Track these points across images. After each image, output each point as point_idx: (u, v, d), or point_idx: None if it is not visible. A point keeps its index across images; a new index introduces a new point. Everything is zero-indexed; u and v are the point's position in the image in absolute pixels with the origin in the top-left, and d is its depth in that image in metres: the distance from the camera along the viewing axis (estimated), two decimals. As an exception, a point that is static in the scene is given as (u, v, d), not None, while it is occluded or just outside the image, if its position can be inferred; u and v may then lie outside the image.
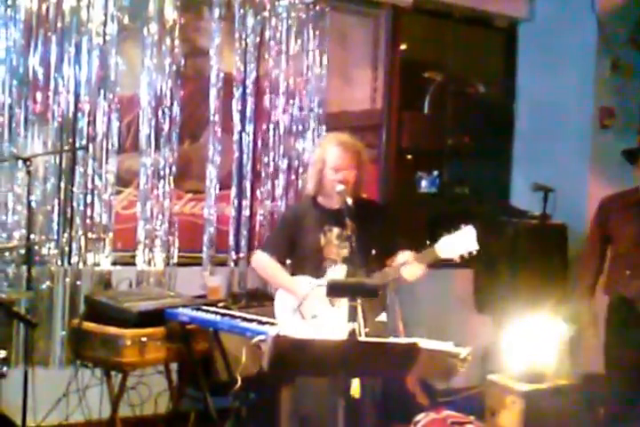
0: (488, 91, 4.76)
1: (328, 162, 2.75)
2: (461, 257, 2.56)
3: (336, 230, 2.74)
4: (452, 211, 4.63)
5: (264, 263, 2.84)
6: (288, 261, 2.87)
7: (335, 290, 2.02)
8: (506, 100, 4.80)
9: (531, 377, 3.17)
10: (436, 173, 4.63)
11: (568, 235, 4.14)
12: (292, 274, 2.81)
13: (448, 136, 4.61)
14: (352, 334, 1.90)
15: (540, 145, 4.60)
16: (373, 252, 2.76)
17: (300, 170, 3.94)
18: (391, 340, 2.04)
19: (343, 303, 2.33)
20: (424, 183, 4.63)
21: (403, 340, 2.04)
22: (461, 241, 2.55)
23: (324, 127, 4.01)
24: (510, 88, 4.79)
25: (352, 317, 1.93)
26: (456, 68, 4.62)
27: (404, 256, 2.71)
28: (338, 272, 2.73)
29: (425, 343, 2.05)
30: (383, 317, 2.77)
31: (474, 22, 4.65)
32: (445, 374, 2.22)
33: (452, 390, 3.95)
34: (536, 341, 3.21)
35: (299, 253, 2.79)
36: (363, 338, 2.10)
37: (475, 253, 2.55)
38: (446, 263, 4.50)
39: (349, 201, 2.67)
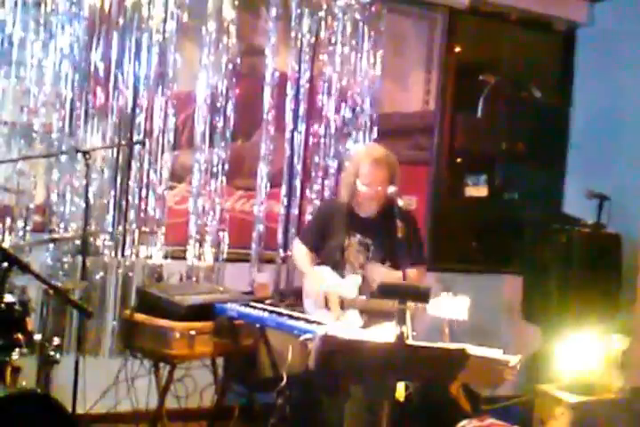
0: (544, 96, 4.65)
1: (360, 177, 2.83)
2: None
3: (359, 236, 2.88)
4: (501, 216, 4.55)
5: (298, 252, 3.10)
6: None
7: (386, 292, 2.01)
8: (562, 106, 4.69)
9: (580, 389, 3.11)
10: (485, 177, 4.55)
11: (622, 245, 4.02)
12: (322, 263, 2.99)
13: (501, 140, 4.54)
14: (400, 337, 1.89)
15: (596, 152, 4.48)
16: (388, 264, 2.83)
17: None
18: (439, 344, 2.01)
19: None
20: (473, 187, 4.56)
21: (451, 345, 2.01)
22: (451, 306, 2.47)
23: (375, 128, 4.01)
24: (567, 93, 4.67)
25: (401, 320, 1.91)
26: (511, 72, 4.53)
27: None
28: (355, 280, 2.84)
29: (473, 349, 2.02)
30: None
31: (531, 25, 4.56)
32: (492, 382, 2.18)
33: (496, 398, 3.88)
34: (586, 352, 3.14)
35: (325, 248, 2.98)
36: (411, 341, 2.08)
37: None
38: (493, 269, 4.46)
39: (400, 203, 2.68)
